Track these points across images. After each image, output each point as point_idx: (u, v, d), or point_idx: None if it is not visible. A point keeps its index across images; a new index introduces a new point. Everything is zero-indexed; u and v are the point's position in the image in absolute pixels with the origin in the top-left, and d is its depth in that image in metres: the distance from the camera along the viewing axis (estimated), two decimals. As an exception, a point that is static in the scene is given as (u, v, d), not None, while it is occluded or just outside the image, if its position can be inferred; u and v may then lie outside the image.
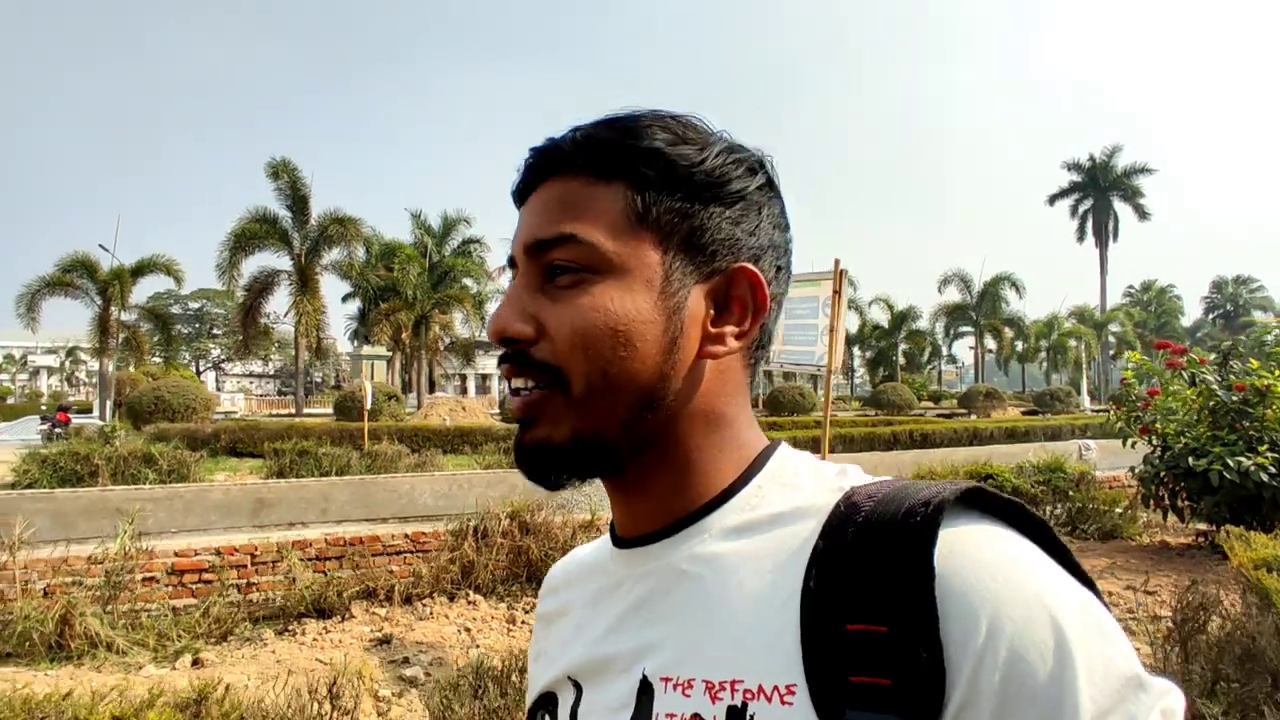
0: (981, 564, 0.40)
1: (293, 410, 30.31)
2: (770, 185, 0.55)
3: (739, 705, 0.43)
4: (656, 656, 0.49)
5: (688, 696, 0.46)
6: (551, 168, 0.52)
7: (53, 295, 25.13)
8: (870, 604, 0.41)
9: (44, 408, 31.21)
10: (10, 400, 54.20)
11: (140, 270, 26.49)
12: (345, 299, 38.61)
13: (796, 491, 0.50)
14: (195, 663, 4.37)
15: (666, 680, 0.48)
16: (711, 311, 0.51)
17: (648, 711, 0.48)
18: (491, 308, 34.49)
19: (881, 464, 11.30)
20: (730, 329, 0.51)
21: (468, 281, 32.08)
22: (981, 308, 44.68)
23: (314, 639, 4.69)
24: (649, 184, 0.50)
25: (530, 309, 0.50)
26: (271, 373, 63.46)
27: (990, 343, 47.71)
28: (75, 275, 25.46)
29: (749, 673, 0.44)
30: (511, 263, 0.54)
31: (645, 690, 0.48)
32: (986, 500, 0.44)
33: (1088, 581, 0.43)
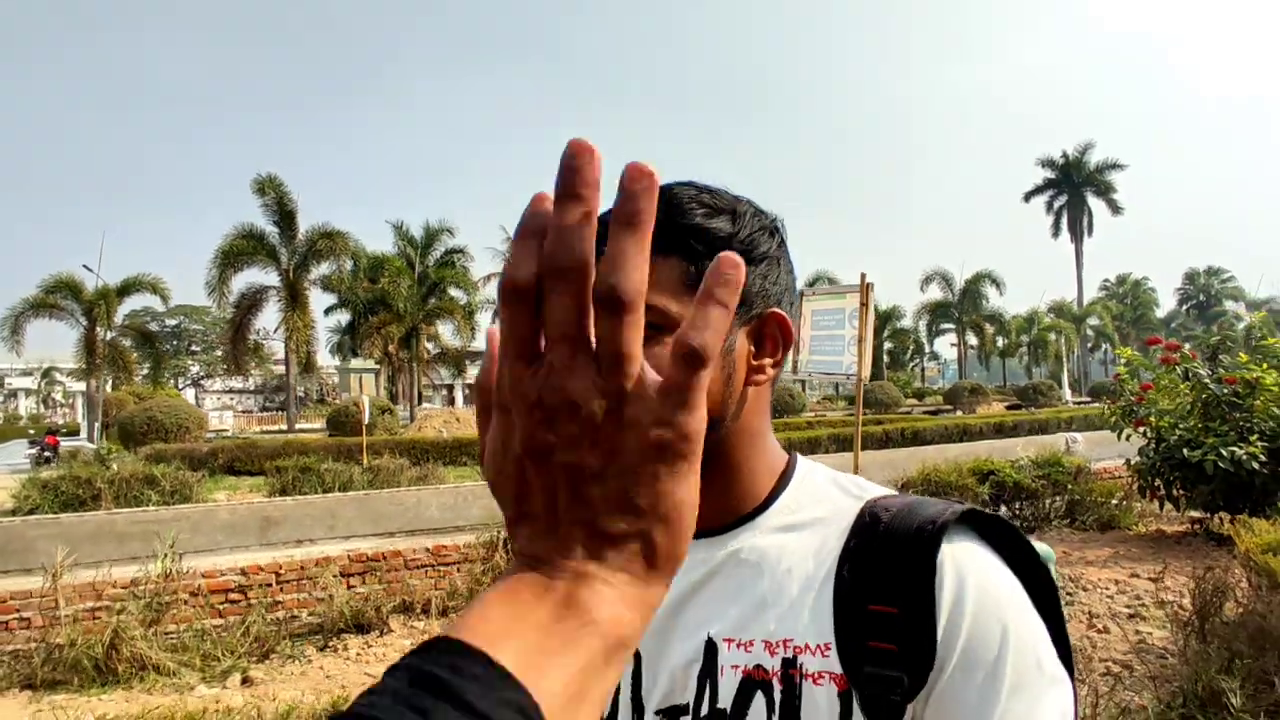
0: (967, 573, 0.57)
1: (283, 426, 30.14)
2: (782, 242, 0.68)
3: (791, 657, 0.60)
4: (719, 623, 0.63)
5: (749, 652, 0.61)
6: None
7: (37, 317, 24.86)
8: (887, 591, 0.57)
9: (31, 432, 30.78)
10: (-11, 425, 53.22)
11: (126, 290, 26.25)
12: (328, 312, 38.35)
13: (828, 500, 0.66)
14: (245, 681, 4.48)
15: (729, 641, 0.62)
16: (752, 349, 0.65)
17: (714, 664, 0.62)
18: (481, 318, 34.20)
19: (873, 463, 11.52)
20: (768, 361, 0.65)
21: (456, 292, 32.06)
22: (963, 305, 45.33)
23: (357, 654, 4.81)
24: (698, 255, 0.61)
25: None
26: (252, 388, 62.77)
27: (972, 339, 48.40)
28: (59, 296, 25.18)
29: (797, 634, 0.60)
30: None
31: (710, 649, 0.63)
32: (978, 519, 0.61)
33: (1045, 578, 0.60)
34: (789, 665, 0.60)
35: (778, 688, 0.60)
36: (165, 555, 5.06)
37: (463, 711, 0.24)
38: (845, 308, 4.05)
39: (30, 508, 11.35)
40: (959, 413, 31.16)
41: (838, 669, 0.57)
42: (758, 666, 0.60)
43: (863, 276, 3.87)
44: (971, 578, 0.57)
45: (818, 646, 0.59)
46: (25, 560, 8.64)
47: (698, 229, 0.62)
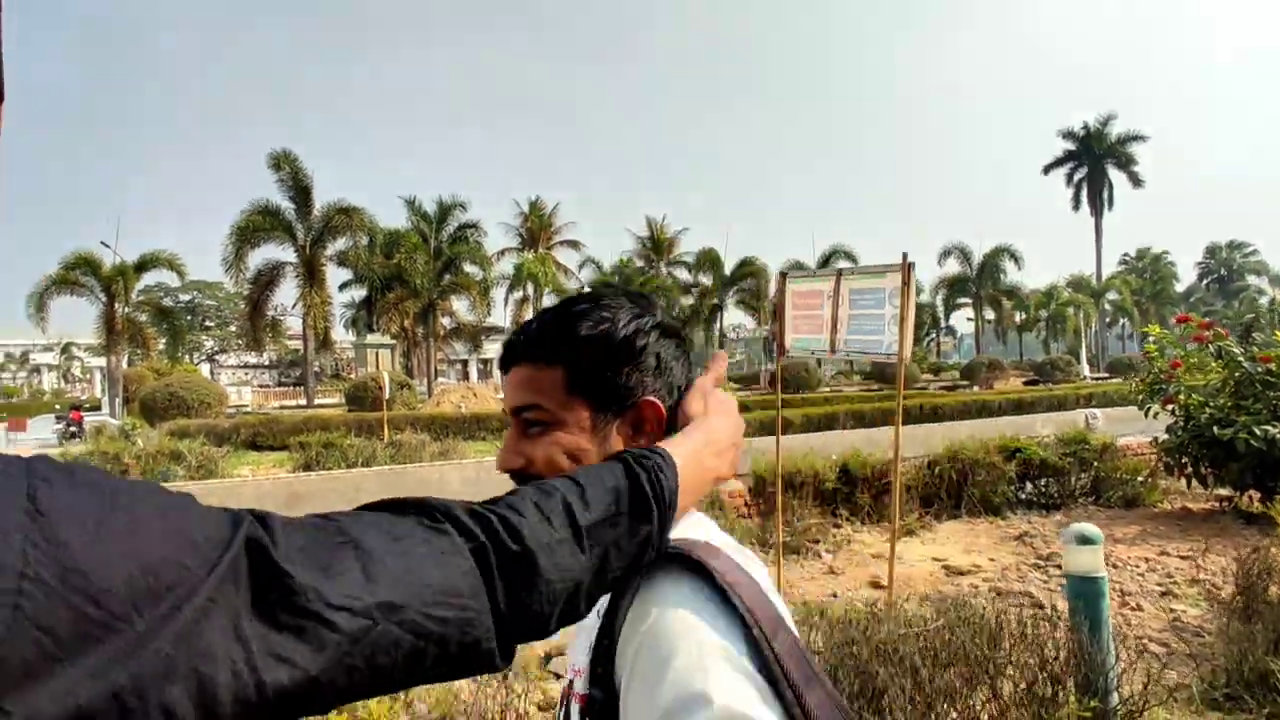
0: (647, 605, 0.64)
1: (301, 401, 30.43)
2: (665, 332, 0.81)
3: (571, 679, 0.76)
4: (571, 652, 0.79)
5: (570, 675, 0.78)
6: (518, 357, 0.79)
7: (59, 294, 25.08)
8: (609, 623, 0.67)
9: (57, 407, 31.23)
10: (14, 400, 54.03)
11: (143, 266, 26.41)
12: (343, 287, 38.42)
13: None
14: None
15: (572, 667, 0.77)
16: (630, 432, 0.78)
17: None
18: (497, 293, 34.06)
19: (911, 439, 11.48)
20: (643, 440, 0.78)
21: (471, 268, 32.01)
22: (982, 279, 44.94)
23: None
24: (578, 363, 0.76)
25: (518, 449, 0.77)
26: (267, 363, 63.22)
27: (989, 313, 48.07)
28: (79, 273, 25.38)
29: (579, 661, 0.73)
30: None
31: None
32: (688, 563, 0.67)
33: (746, 622, 0.63)
34: (570, 685, 0.76)
35: (562, 705, 0.78)
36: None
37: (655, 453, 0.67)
38: (885, 287, 4.03)
39: (61, 482, 11.57)
40: (976, 388, 31.03)
41: (584, 689, 0.69)
42: (564, 685, 0.79)
43: (904, 256, 3.84)
44: (653, 609, 0.63)
45: (580, 670, 0.72)
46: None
47: (579, 342, 0.77)
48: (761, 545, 6.53)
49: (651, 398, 0.78)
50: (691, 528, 0.76)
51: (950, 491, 7.52)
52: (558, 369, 0.76)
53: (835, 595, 5.19)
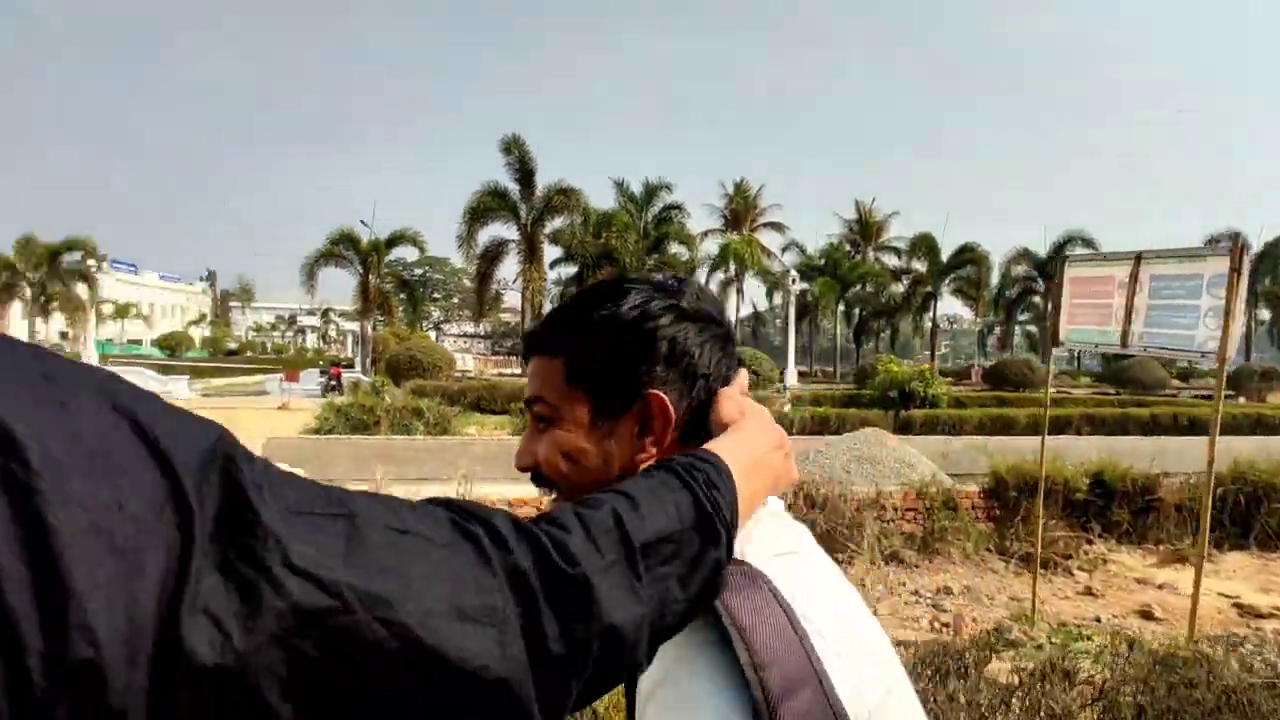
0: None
1: (516, 370, 32.80)
2: (683, 315, 0.71)
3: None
4: None
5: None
6: (533, 348, 0.75)
7: (325, 265, 28.97)
8: None
9: (320, 364, 36.19)
10: (283, 355, 63.38)
11: (393, 242, 29.67)
12: (553, 265, 40.41)
13: None
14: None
15: None
16: (637, 429, 0.70)
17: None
18: (699, 274, 34.40)
19: (1164, 452, 10.08)
20: (650, 439, 0.70)
21: (676, 248, 32.54)
22: (1260, 273, 38.31)
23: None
24: (578, 355, 0.70)
25: (530, 447, 0.72)
26: (483, 334, 68.82)
27: (1263, 313, 40.96)
28: (341, 247, 29.10)
29: None
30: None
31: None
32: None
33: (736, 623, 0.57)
34: None
35: None
36: (461, 482, 5.65)
37: (707, 462, 0.58)
38: (1204, 273, 3.44)
39: (329, 428, 13.36)
40: (1242, 399, 26.61)
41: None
42: None
43: (1235, 238, 3.30)
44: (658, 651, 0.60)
45: None
46: (325, 471, 10.13)
47: (581, 331, 0.71)
48: (1000, 553, 6.01)
49: (658, 390, 0.69)
50: (763, 536, 0.68)
51: (1235, 518, 6.47)
52: (559, 359, 0.71)
53: (1099, 619, 4.64)
